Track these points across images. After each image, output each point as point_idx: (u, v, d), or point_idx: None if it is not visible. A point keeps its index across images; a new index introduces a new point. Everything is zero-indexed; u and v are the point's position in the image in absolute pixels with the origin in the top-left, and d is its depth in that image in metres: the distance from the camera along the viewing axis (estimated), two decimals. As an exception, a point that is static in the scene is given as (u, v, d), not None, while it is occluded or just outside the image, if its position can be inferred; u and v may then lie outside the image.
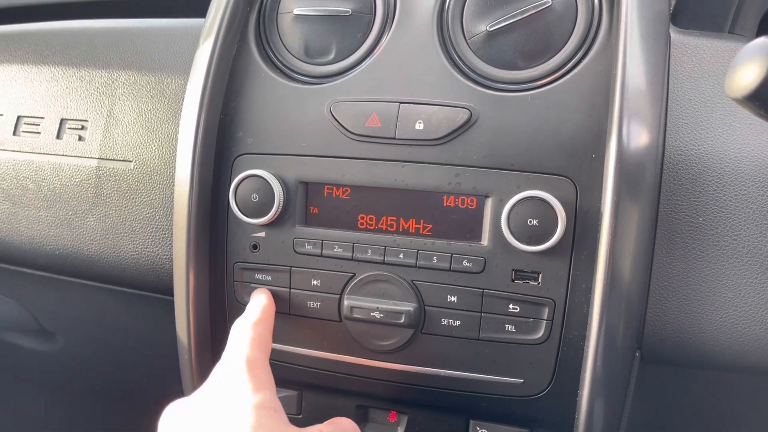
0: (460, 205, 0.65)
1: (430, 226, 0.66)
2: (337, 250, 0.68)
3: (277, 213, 0.68)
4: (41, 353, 1.17)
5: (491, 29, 0.66)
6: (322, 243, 0.68)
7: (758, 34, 0.73)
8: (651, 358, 0.67)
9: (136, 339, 1.07)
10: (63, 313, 1.09)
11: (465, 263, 0.64)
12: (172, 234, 0.76)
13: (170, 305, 0.74)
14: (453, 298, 0.65)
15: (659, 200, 0.63)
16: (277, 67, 0.72)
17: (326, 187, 0.68)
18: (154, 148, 0.79)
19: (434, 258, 0.65)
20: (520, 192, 0.61)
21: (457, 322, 0.65)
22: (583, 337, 0.62)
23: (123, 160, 0.80)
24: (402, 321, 0.65)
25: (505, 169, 0.63)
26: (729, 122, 0.63)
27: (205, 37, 0.73)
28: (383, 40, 0.69)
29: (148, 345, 1.06)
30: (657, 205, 0.63)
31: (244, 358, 0.57)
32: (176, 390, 0.72)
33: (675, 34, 0.68)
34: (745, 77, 0.42)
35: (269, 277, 0.70)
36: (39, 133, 0.85)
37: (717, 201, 0.62)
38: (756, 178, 0.62)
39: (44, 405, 1.35)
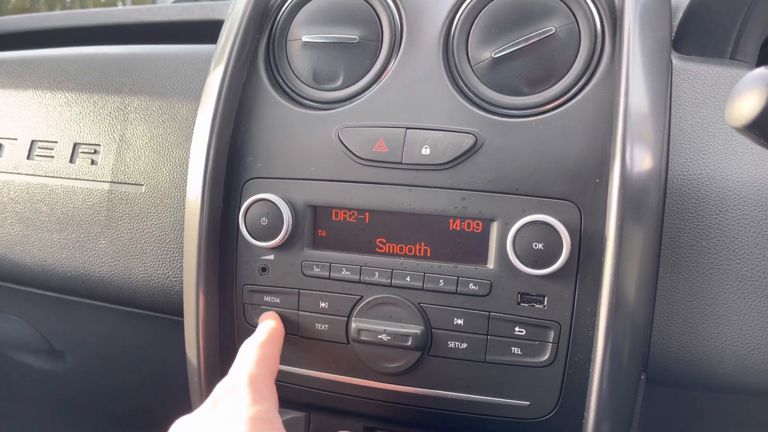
0: (466, 228, 0.66)
1: (437, 249, 0.66)
2: (345, 273, 0.68)
3: (286, 236, 0.69)
4: (50, 373, 1.18)
5: (496, 56, 0.67)
6: (330, 266, 0.69)
7: (759, 59, 0.74)
8: (657, 380, 0.68)
9: (145, 359, 1.08)
10: (72, 333, 1.09)
11: (471, 286, 0.65)
12: (182, 256, 0.77)
13: (180, 326, 0.75)
14: (459, 321, 0.66)
15: (663, 224, 0.64)
16: (286, 93, 0.74)
17: (334, 210, 0.69)
18: (165, 172, 0.81)
19: (441, 281, 0.66)
20: (525, 216, 0.62)
21: (464, 345, 0.66)
22: (588, 360, 0.63)
23: (135, 184, 0.82)
24: (409, 343, 0.66)
25: (510, 194, 0.64)
26: (731, 147, 0.64)
27: (216, 63, 0.74)
28: (390, 66, 0.71)
29: (157, 365, 1.07)
30: (661, 229, 0.64)
31: (247, 374, 0.58)
32: (185, 411, 0.72)
33: (677, 60, 0.69)
34: (744, 107, 0.43)
35: (278, 300, 0.71)
36: (52, 157, 0.87)
37: (720, 225, 0.63)
38: (759, 202, 0.63)
39: (53, 424, 1.36)
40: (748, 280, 0.63)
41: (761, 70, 0.44)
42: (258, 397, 0.55)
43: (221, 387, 0.58)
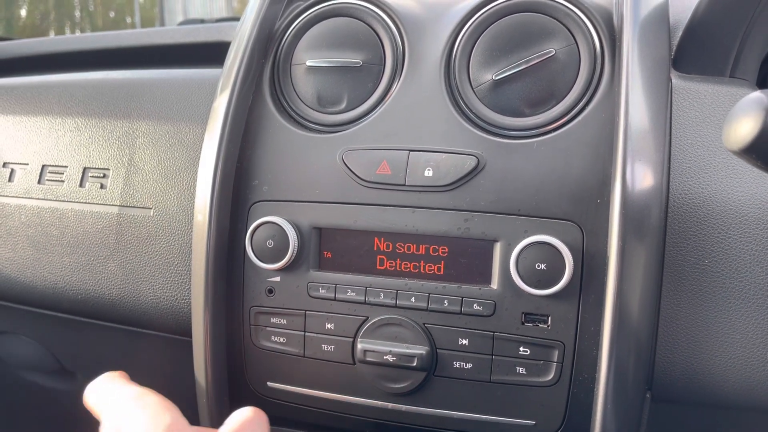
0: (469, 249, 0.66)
1: (441, 270, 0.67)
2: (350, 294, 0.69)
3: (292, 258, 0.70)
4: (62, 393, 1.19)
5: (497, 78, 0.68)
6: (335, 287, 0.70)
7: (759, 76, 0.74)
8: (662, 398, 0.68)
9: (155, 380, 1.08)
10: (84, 353, 1.11)
11: (475, 306, 0.66)
12: (190, 279, 0.78)
13: (188, 346, 0.75)
14: (464, 341, 0.66)
15: (665, 243, 0.64)
16: (291, 117, 0.75)
17: (339, 232, 0.70)
18: (173, 195, 0.82)
19: (445, 301, 0.66)
20: (527, 237, 0.63)
21: (469, 365, 0.66)
22: (593, 379, 0.63)
23: (143, 207, 0.83)
24: (414, 364, 0.66)
25: (512, 215, 0.64)
26: (732, 165, 0.64)
27: (222, 88, 0.75)
28: (393, 89, 0.72)
29: (167, 386, 1.07)
30: (663, 249, 0.64)
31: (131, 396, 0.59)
32: None
33: (676, 79, 0.69)
34: (741, 131, 0.44)
35: (284, 321, 0.72)
36: (63, 181, 0.88)
37: (722, 243, 0.63)
38: (760, 220, 0.63)
39: (64, 443, 1.37)
40: (752, 298, 0.63)
41: (757, 94, 0.44)
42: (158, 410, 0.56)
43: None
